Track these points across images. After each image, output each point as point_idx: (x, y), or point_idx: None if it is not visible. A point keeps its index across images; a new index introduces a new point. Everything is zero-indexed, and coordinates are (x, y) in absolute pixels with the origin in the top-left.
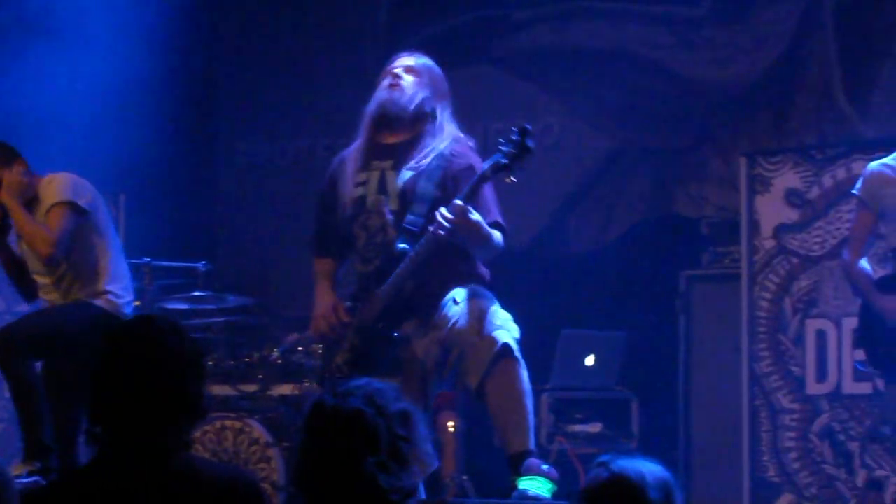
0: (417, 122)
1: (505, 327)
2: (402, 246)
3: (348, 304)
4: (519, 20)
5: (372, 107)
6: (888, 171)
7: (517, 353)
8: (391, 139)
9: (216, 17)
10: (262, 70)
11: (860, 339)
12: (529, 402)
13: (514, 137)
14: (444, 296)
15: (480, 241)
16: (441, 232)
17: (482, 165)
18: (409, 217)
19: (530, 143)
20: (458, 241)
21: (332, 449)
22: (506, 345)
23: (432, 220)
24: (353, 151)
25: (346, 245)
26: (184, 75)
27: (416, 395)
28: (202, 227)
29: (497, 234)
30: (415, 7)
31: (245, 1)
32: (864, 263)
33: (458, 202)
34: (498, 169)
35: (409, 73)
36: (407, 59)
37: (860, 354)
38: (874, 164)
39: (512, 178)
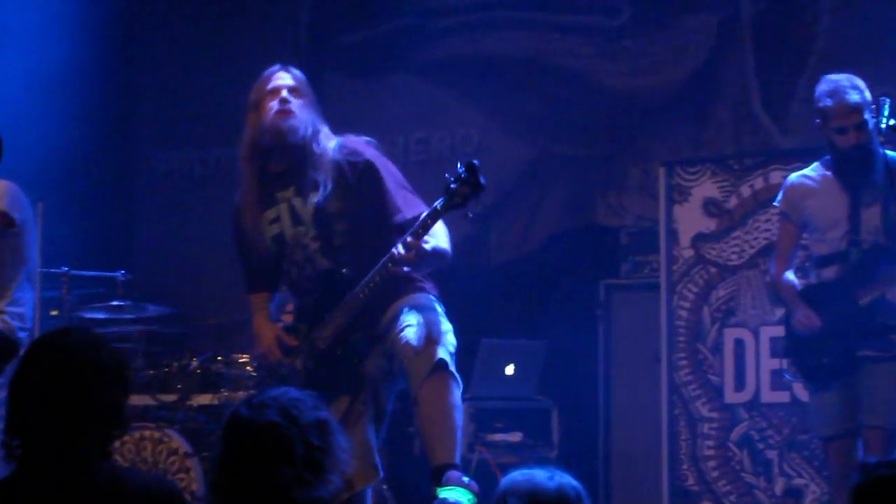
0: (307, 144)
1: (441, 342)
2: (344, 271)
3: (287, 325)
4: (438, 29)
5: (262, 137)
6: (808, 181)
7: (452, 368)
8: (281, 166)
9: (135, 24)
10: (180, 79)
11: (786, 348)
12: (459, 416)
13: (463, 175)
14: (389, 306)
15: (438, 260)
16: (401, 269)
17: (435, 203)
18: (336, 239)
19: (483, 180)
20: (420, 271)
21: (247, 461)
22: (441, 360)
23: (357, 231)
24: (247, 193)
25: (278, 278)
26: (102, 85)
27: (366, 405)
28: (121, 237)
29: (445, 237)
30: (334, 16)
31: (164, 9)
32: (790, 275)
33: (410, 240)
34: (452, 207)
35: (294, 95)
36: (286, 78)
37: (784, 363)
38: (794, 176)
39: (469, 215)
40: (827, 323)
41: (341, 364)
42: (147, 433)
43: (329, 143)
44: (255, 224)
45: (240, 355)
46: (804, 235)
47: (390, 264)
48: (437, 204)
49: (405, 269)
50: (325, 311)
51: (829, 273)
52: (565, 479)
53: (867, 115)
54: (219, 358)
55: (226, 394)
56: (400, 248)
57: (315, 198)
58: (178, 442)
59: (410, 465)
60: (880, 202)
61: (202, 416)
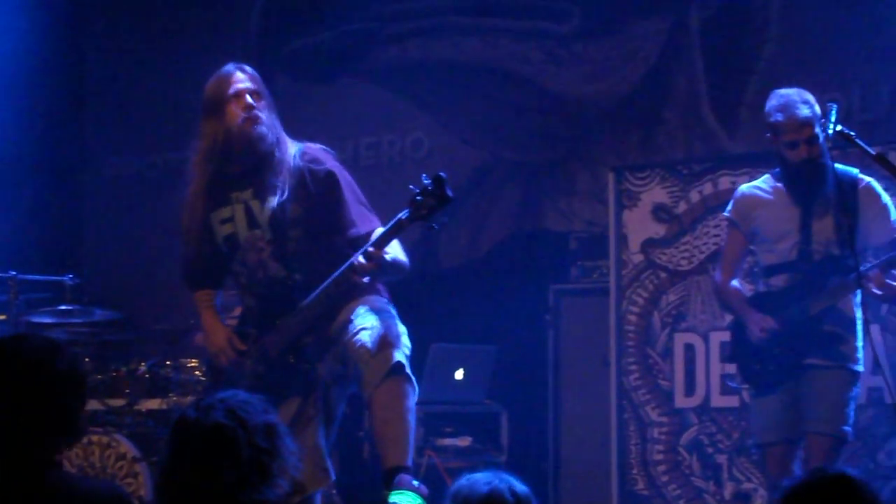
0: (272, 150)
1: (397, 344)
2: (297, 276)
3: (237, 328)
4: (389, 34)
5: (228, 143)
6: (759, 192)
7: (407, 371)
8: (240, 168)
9: (86, 27)
10: (130, 83)
11: (732, 354)
12: (412, 419)
13: (430, 188)
14: (340, 311)
15: (396, 272)
16: (361, 279)
17: (400, 214)
18: (289, 245)
19: (450, 193)
20: (379, 281)
21: (193, 463)
22: (398, 363)
23: (311, 238)
24: (197, 192)
25: (224, 275)
26: (52, 88)
27: (317, 409)
28: (69, 241)
29: (400, 250)
30: (285, 20)
31: (115, 13)
32: (736, 283)
33: (372, 250)
34: (418, 219)
35: (256, 99)
36: (245, 80)
37: (730, 368)
38: (744, 187)
39: (435, 227)
40: (774, 330)
41: (293, 369)
42: (95, 438)
43: (291, 148)
44: (202, 222)
45: (188, 360)
46: (751, 246)
47: (350, 273)
48: (402, 215)
49: (364, 279)
50: (275, 316)
51: (778, 282)
52: (505, 483)
53: (817, 129)
54: (167, 362)
55: (174, 398)
56: (361, 259)
57: (273, 202)
58: (126, 447)
59: (360, 469)
60: (831, 214)
61: (150, 420)
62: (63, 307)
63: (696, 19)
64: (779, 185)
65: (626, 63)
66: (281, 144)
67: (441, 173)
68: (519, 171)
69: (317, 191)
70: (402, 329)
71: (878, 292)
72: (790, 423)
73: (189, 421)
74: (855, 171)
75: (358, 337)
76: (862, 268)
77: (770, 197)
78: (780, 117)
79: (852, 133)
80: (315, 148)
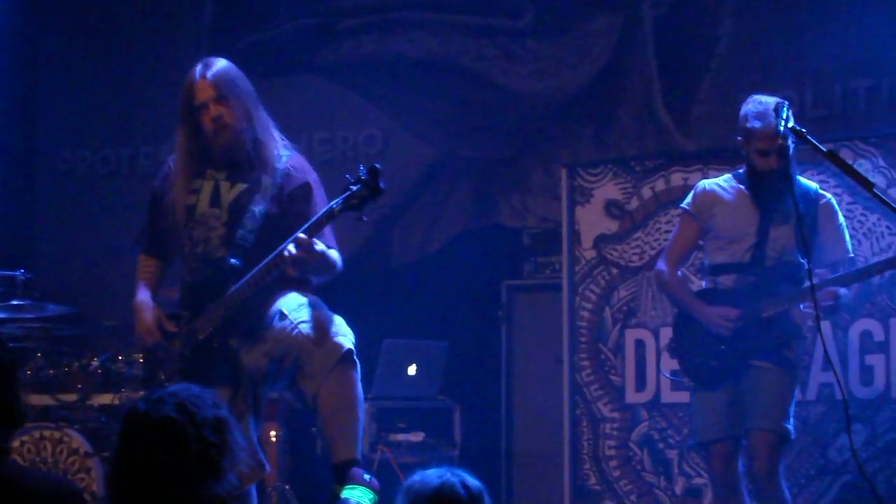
0: (253, 149)
1: (341, 332)
2: (233, 261)
3: (169, 311)
4: (342, 30)
5: (206, 146)
6: (721, 191)
7: (355, 357)
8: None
9: (39, 22)
10: (85, 77)
11: (674, 349)
12: (361, 410)
13: (364, 178)
14: (269, 306)
15: (325, 269)
16: (291, 268)
17: (324, 205)
18: (241, 232)
19: (382, 185)
20: (307, 273)
21: (143, 456)
22: (349, 350)
23: (263, 236)
24: (182, 161)
25: (171, 250)
26: (5, 81)
27: (247, 404)
28: (21, 236)
29: (336, 256)
30: (237, 15)
31: (68, 7)
32: (680, 275)
33: (303, 236)
34: (349, 208)
35: (223, 104)
36: (207, 88)
37: (673, 364)
38: (707, 182)
39: (364, 219)
40: (727, 332)
41: (218, 355)
42: (47, 433)
43: (278, 147)
44: (177, 189)
45: (140, 355)
46: (700, 241)
47: (280, 261)
48: (334, 203)
49: (294, 268)
50: (209, 298)
51: (727, 282)
52: (456, 478)
53: (790, 142)
54: (119, 358)
55: (127, 393)
56: (291, 247)
57: (242, 188)
58: (78, 442)
59: (313, 465)
60: (790, 224)
61: (103, 415)
62: (15, 302)
63: (649, 17)
64: (741, 186)
65: (580, 60)
66: (263, 140)
67: (376, 164)
68: (472, 167)
69: (289, 195)
70: (339, 319)
71: (829, 303)
72: (733, 421)
73: (139, 413)
74: (815, 185)
75: (299, 329)
76: (816, 281)
77: (731, 197)
78: (756, 124)
79: (804, 130)
80: (302, 159)
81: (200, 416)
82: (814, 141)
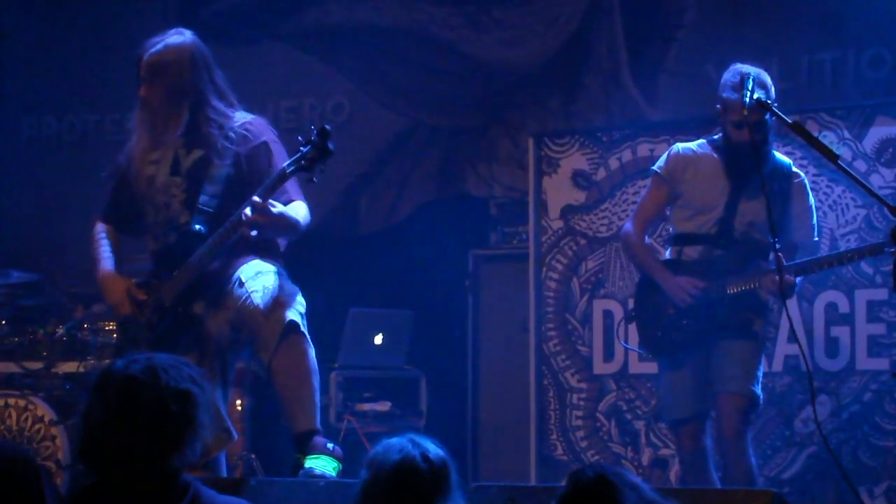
0: (192, 109)
1: (290, 304)
2: (197, 227)
3: (139, 280)
4: None
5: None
6: (694, 157)
7: (304, 329)
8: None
9: None
10: (48, 44)
11: (635, 317)
12: (316, 380)
13: (313, 138)
14: (231, 272)
15: (287, 229)
16: (249, 231)
17: (283, 164)
18: (203, 198)
19: (331, 146)
20: (267, 235)
21: (100, 412)
22: (292, 322)
23: (226, 200)
24: (141, 127)
25: (135, 220)
26: None
27: (214, 372)
28: None
29: (301, 213)
30: None
31: None
32: (648, 241)
33: (257, 199)
34: (299, 169)
35: (146, 86)
36: (143, 67)
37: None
38: (680, 146)
39: (314, 180)
40: (691, 303)
41: (183, 323)
42: (12, 401)
43: (233, 113)
44: (137, 160)
45: (106, 323)
46: (667, 210)
47: (238, 225)
48: (285, 164)
49: (252, 232)
50: (175, 265)
51: (692, 253)
52: (417, 450)
53: (768, 115)
54: (85, 325)
55: (92, 361)
56: (247, 210)
57: (199, 154)
58: (43, 409)
59: (279, 434)
60: (761, 200)
61: (68, 383)
62: None
63: None
64: (714, 154)
65: (547, 29)
66: (214, 108)
67: (327, 126)
68: (440, 137)
69: (248, 156)
70: (293, 289)
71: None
72: (701, 398)
73: (111, 371)
74: (789, 161)
75: (250, 300)
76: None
77: (703, 164)
78: (733, 95)
79: (770, 101)
80: (259, 120)
81: (166, 383)
82: (779, 113)
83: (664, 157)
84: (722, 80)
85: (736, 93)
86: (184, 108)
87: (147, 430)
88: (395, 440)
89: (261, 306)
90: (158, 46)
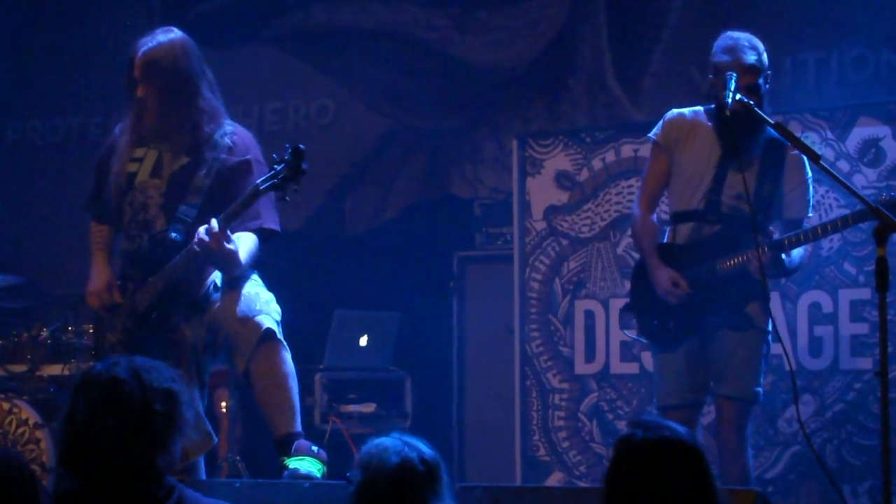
0: (182, 110)
1: (265, 311)
2: (174, 235)
3: (119, 281)
4: (293, 0)
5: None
6: (688, 122)
7: (279, 336)
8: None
9: None
10: (33, 46)
11: (631, 308)
12: (294, 384)
13: (287, 157)
14: (208, 277)
15: (229, 267)
16: (196, 248)
17: (256, 181)
18: (183, 207)
19: (304, 166)
20: (209, 261)
21: (86, 414)
22: (268, 329)
23: (206, 211)
24: (129, 124)
25: (114, 215)
26: None
27: (190, 375)
28: None
29: (247, 248)
30: None
31: None
32: (654, 219)
33: (215, 226)
34: (272, 188)
35: (146, 86)
36: (139, 66)
37: (628, 320)
38: (674, 112)
39: (286, 199)
40: (685, 295)
41: (157, 329)
42: None
43: (222, 123)
44: (120, 157)
45: (91, 326)
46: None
47: (195, 246)
48: (259, 182)
49: (201, 252)
50: (150, 271)
51: (685, 231)
52: (414, 453)
53: (760, 80)
54: (69, 328)
55: (76, 364)
56: (202, 233)
57: (184, 161)
58: (27, 412)
59: (264, 435)
60: (753, 172)
61: (52, 386)
62: None
63: None
64: (709, 124)
65: (531, 30)
66: (205, 116)
67: (301, 146)
68: (424, 138)
69: (231, 170)
70: (268, 295)
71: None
72: (695, 386)
73: (93, 373)
74: None
75: (225, 305)
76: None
77: (697, 132)
78: (725, 58)
79: (751, 102)
80: (247, 135)
81: (150, 384)
82: (761, 113)
83: (660, 123)
84: (713, 49)
85: (728, 55)
86: (179, 106)
87: (132, 429)
88: (388, 441)
89: (237, 313)
90: (151, 44)
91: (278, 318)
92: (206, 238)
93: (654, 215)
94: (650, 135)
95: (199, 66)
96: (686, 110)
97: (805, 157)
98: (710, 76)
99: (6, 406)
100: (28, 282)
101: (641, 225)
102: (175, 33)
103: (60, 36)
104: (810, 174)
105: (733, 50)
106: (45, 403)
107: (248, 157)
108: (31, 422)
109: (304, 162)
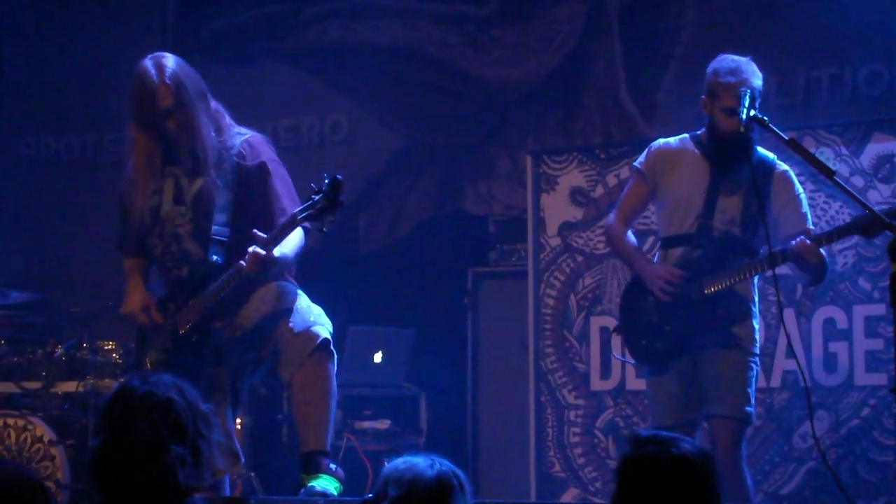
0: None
1: (320, 321)
2: (214, 258)
3: (159, 303)
4: (308, 17)
5: (165, 144)
6: (674, 151)
7: (332, 348)
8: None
9: (1, 6)
10: (48, 63)
11: (620, 326)
12: (333, 403)
13: (325, 189)
14: (249, 296)
15: (282, 269)
16: (251, 273)
17: (274, 181)
18: (215, 228)
19: (342, 198)
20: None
21: (139, 436)
22: (325, 339)
23: (236, 226)
24: (139, 162)
25: (145, 249)
26: None
27: (225, 395)
28: None
29: (294, 245)
30: (202, 1)
31: None
32: (631, 236)
33: (260, 252)
34: (309, 218)
35: (186, 110)
36: (169, 95)
37: (617, 342)
38: (661, 141)
39: (324, 230)
40: (666, 307)
41: (198, 350)
42: (11, 421)
43: (231, 136)
44: (139, 192)
45: (105, 342)
46: (649, 209)
47: (240, 272)
48: (296, 211)
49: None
50: (191, 294)
51: (675, 254)
52: (446, 467)
53: (757, 104)
54: (84, 345)
55: (91, 381)
56: (248, 260)
57: (201, 183)
58: (42, 429)
59: (278, 452)
60: (741, 194)
61: (67, 403)
62: None
63: (614, 5)
64: (696, 151)
65: (545, 47)
66: (218, 132)
67: (338, 176)
68: (438, 155)
69: (248, 180)
70: (319, 309)
71: (805, 256)
72: (689, 406)
73: (137, 393)
74: (773, 156)
75: (273, 321)
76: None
77: (684, 159)
78: (731, 79)
79: (766, 118)
80: (257, 139)
81: (196, 406)
82: (776, 129)
83: (644, 152)
84: (712, 68)
85: (733, 76)
86: (183, 129)
87: (181, 449)
88: (416, 458)
89: (290, 324)
90: (170, 66)
91: (331, 329)
92: (254, 266)
93: (630, 231)
94: (635, 163)
95: (197, 86)
96: (672, 139)
97: (792, 175)
98: (704, 97)
99: (21, 423)
100: (42, 298)
101: (616, 228)
102: (171, 57)
103: (74, 52)
104: (800, 189)
105: (737, 72)
106: (59, 420)
107: (261, 158)
108: (45, 439)
109: (341, 193)
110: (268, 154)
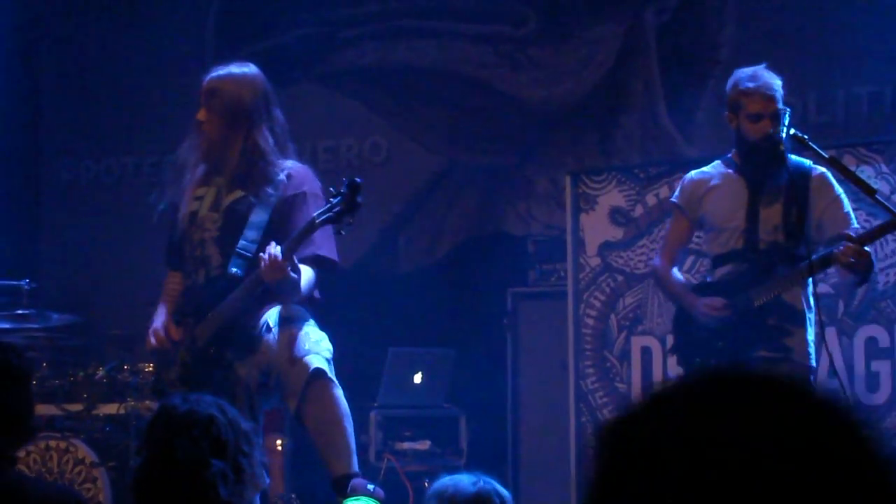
0: (237, 144)
1: (314, 350)
2: (234, 270)
3: (177, 318)
4: (345, 38)
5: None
6: (707, 177)
7: (330, 375)
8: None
9: (41, 30)
10: (88, 86)
11: (674, 347)
12: (348, 423)
13: (343, 191)
14: (260, 317)
15: (290, 294)
16: (263, 270)
17: (313, 213)
18: (242, 242)
19: (360, 199)
20: (273, 289)
21: (181, 452)
22: (317, 369)
23: (265, 247)
24: (192, 165)
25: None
26: (7, 91)
27: (245, 415)
28: (26, 245)
29: (308, 276)
30: (241, 24)
31: (71, 16)
32: (677, 272)
33: (278, 257)
34: (328, 221)
35: (205, 111)
36: (203, 93)
37: (674, 364)
38: (693, 173)
39: (342, 232)
40: (718, 322)
41: (214, 365)
42: (53, 443)
43: (284, 158)
44: (186, 198)
45: (146, 364)
46: (697, 236)
47: (259, 271)
48: (315, 214)
49: (266, 281)
50: (210, 306)
51: (724, 272)
52: (489, 485)
53: (781, 108)
54: (125, 367)
55: (132, 403)
56: (269, 255)
57: (240, 194)
58: (84, 452)
59: (320, 475)
60: (780, 202)
61: (108, 425)
62: (20, 311)
63: (652, 24)
64: (729, 171)
65: (583, 67)
66: (265, 150)
67: (357, 178)
68: (477, 175)
69: (287, 204)
70: (319, 335)
71: (852, 260)
72: None
73: (179, 411)
74: (808, 161)
75: (276, 345)
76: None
77: (718, 181)
78: (751, 85)
79: (806, 136)
80: (305, 170)
81: (237, 423)
82: (816, 147)
83: (679, 187)
84: (734, 80)
85: (753, 82)
86: (237, 139)
87: (223, 467)
88: (460, 475)
89: (286, 353)
90: (221, 72)
91: (329, 356)
92: (273, 263)
93: (675, 268)
94: (672, 198)
95: (263, 104)
96: (705, 168)
97: (829, 176)
98: (727, 112)
99: (63, 445)
100: (84, 321)
101: (666, 273)
102: (249, 68)
103: (113, 75)
104: (840, 190)
105: (758, 78)
106: (101, 443)
107: (303, 189)
108: (87, 461)
109: (359, 195)
110: (310, 186)
